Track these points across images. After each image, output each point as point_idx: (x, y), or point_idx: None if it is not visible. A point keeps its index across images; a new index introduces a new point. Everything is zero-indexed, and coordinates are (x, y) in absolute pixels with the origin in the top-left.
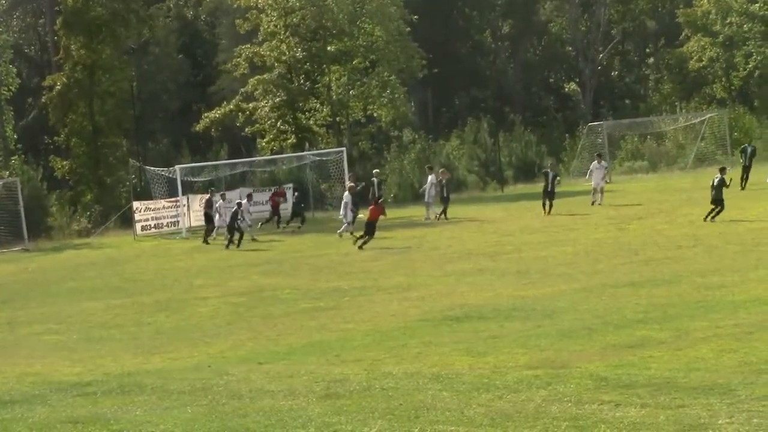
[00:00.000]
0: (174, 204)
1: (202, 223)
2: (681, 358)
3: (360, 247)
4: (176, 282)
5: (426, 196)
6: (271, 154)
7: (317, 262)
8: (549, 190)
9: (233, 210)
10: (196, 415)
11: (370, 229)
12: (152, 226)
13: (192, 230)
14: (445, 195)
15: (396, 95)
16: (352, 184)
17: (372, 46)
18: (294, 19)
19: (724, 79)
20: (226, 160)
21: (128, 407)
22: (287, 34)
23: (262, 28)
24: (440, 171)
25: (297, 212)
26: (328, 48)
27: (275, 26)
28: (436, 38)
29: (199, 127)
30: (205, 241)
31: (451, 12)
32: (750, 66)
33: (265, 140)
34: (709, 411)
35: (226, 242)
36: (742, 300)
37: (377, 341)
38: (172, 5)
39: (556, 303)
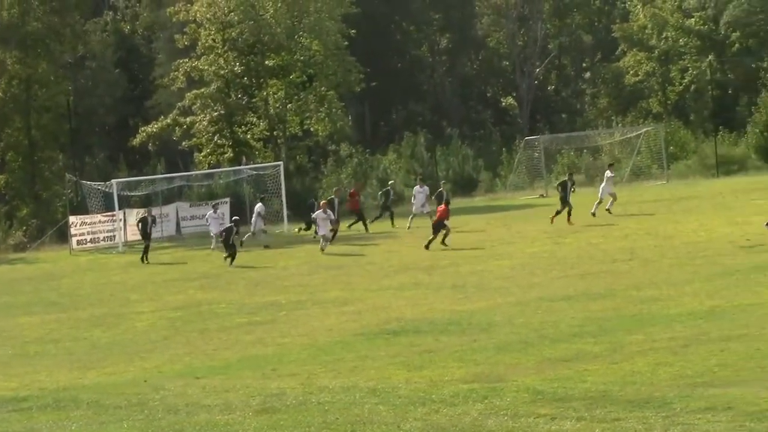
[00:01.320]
0: (110, 218)
1: (139, 237)
2: (617, 372)
3: (426, 247)
4: (112, 297)
5: (414, 207)
6: (209, 168)
7: (254, 277)
8: (566, 199)
9: (228, 227)
10: (132, 430)
11: (437, 228)
12: (88, 240)
13: (129, 245)
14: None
15: (333, 109)
16: (324, 201)
17: (310, 61)
18: (232, 34)
19: (660, 93)
20: (163, 174)
21: (64, 422)
22: (225, 48)
23: (200, 43)
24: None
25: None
26: (266, 62)
27: (213, 40)
28: (373, 53)
29: (136, 141)
30: (144, 259)
31: (389, 26)
32: (686, 80)
33: (202, 154)
34: (645, 424)
35: (226, 257)
36: (677, 313)
37: (313, 355)
38: (109, 20)
39: (492, 317)
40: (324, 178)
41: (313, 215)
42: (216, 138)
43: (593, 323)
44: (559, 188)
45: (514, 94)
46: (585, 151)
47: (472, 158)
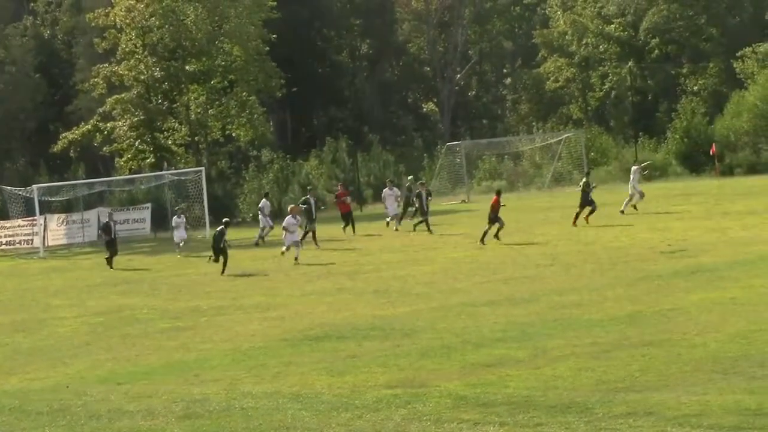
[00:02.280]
0: (30, 223)
1: (62, 242)
2: (539, 377)
3: (497, 236)
4: (34, 302)
5: (389, 209)
6: (130, 173)
7: (176, 282)
8: (590, 199)
9: (220, 229)
10: None
11: (493, 221)
12: (4, 243)
13: (49, 250)
14: (425, 208)
15: (254, 115)
16: (294, 205)
17: (231, 66)
18: (152, 38)
19: (580, 99)
20: (84, 179)
21: None
22: (145, 53)
23: (120, 48)
24: (419, 183)
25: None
26: (187, 67)
27: (133, 45)
28: (294, 58)
29: (57, 147)
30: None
31: (310, 32)
32: (606, 86)
33: (123, 160)
34: (567, 429)
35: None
36: (599, 318)
37: (237, 361)
38: (28, 24)
39: (415, 322)
40: (245, 184)
41: (283, 223)
42: (137, 143)
43: (516, 328)
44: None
45: (435, 100)
46: (506, 156)
47: (393, 164)
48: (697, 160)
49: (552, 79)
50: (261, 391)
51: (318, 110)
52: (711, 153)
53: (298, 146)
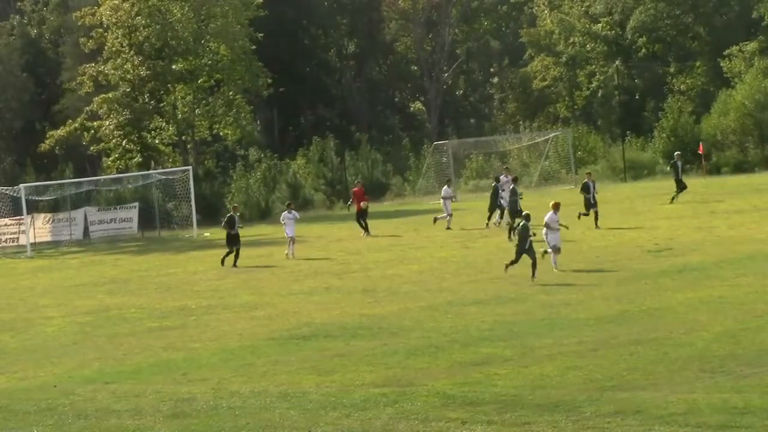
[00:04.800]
0: (17, 222)
1: (48, 240)
2: (526, 376)
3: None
4: (21, 301)
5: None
6: (117, 172)
7: (164, 281)
8: (592, 201)
9: (229, 216)
10: None
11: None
12: None
13: (36, 249)
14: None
15: (241, 114)
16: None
17: (217, 65)
18: (138, 38)
19: (567, 98)
20: (71, 179)
21: None
22: (132, 52)
23: (106, 47)
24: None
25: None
26: (173, 66)
27: (120, 44)
28: (281, 57)
29: (44, 146)
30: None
31: (297, 31)
32: (593, 85)
33: (110, 159)
34: (555, 428)
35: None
36: (586, 318)
37: (224, 360)
38: (15, 23)
39: (403, 321)
40: (233, 183)
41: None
42: (124, 143)
43: (503, 327)
44: (583, 190)
45: (423, 99)
46: (493, 155)
47: (381, 163)
48: (684, 159)
49: (539, 78)
50: (249, 390)
51: (305, 109)
52: (698, 152)
53: (285, 145)
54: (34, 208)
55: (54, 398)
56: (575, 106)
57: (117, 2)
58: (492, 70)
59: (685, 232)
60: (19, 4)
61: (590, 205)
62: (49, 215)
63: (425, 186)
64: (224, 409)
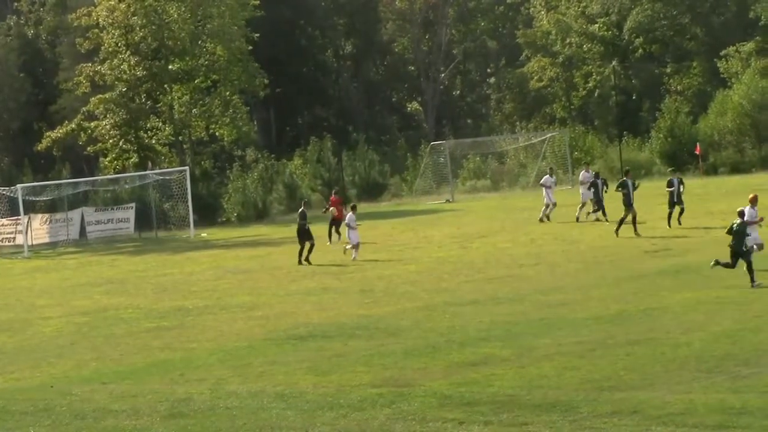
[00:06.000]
0: (14, 223)
1: (45, 240)
2: (524, 376)
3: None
4: (18, 302)
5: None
6: (114, 173)
7: (161, 282)
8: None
9: (301, 211)
10: None
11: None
12: None
13: (34, 249)
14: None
15: (238, 114)
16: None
17: (214, 66)
18: (135, 38)
19: (564, 98)
20: (68, 179)
21: None
22: (128, 52)
23: (103, 47)
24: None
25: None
26: (170, 67)
27: (116, 45)
28: (278, 57)
29: (41, 146)
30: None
31: (293, 31)
32: (589, 85)
33: (107, 159)
34: (552, 428)
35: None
36: (583, 318)
37: (221, 360)
38: (12, 24)
39: (400, 321)
40: (230, 183)
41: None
42: (121, 143)
43: (500, 327)
44: (620, 189)
45: (420, 99)
46: (490, 156)
47: (378, 163)
48: (681, 159)
49: (536, 78)
50: (246, 390)
51: (302, 110)
52: (695, 152)
53: (282, 146)
54: (31, 208)
55: (51, 398)
56: (572, 107)
57: (113, 3)
58: (489, 70)
59: (683, 232)
60: (15, 4)
61: (629, 205)
62: (46, 216)
63: (422, 186)
64: (221, 409)
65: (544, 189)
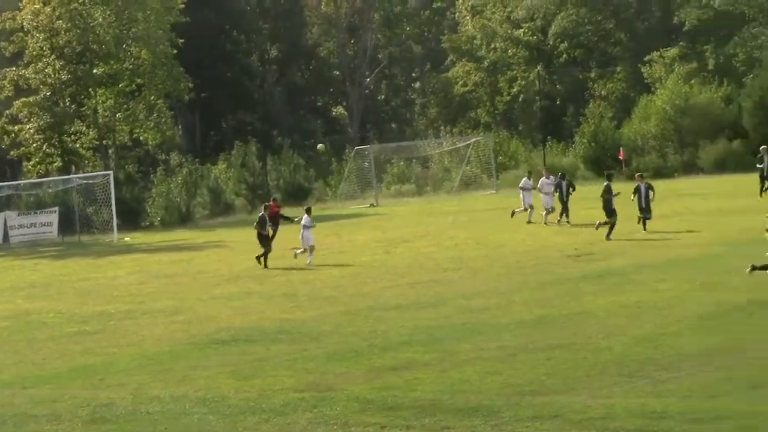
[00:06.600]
0: None
1: None
2: (446, 380)
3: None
4: None
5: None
6: (37, 177)
7: (84, 286)
8: (644, 206)
9: (261, 216)
10: None
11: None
12: None
13: None
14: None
15: (163, 119)
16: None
17: (138, 70)
18: (60, 42)
19: (488, 103)
20: None
21: None
22: (53, 56)
23: (27, 51)
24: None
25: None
26: (95, 71)
27: (41, 48)
28: (203, 61)
29: None
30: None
31: (219, 35)
32: (514, 90)
33: (31, 163)
34: None
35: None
36: (506, 322)
37: (143, 365)
38: None
39: (323, 326)
40: (154, 188)
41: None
42: (45, 147)
43: (423, 332)
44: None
45: (345, 104)
46: (415, 160)
47: (303, 168)
48: (605, 164)
49: (461, 83)
50: (167, 395)
51: (227, 114)
52: (619, 157)
53: (207, 150)
54: None
55: None
56: (496, 112)
57: (38, 6)
58: (414, 75)
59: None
60: None
61: (642, 210)
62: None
63: (347, 191)
64: (143, 414)
65: (521, 192)
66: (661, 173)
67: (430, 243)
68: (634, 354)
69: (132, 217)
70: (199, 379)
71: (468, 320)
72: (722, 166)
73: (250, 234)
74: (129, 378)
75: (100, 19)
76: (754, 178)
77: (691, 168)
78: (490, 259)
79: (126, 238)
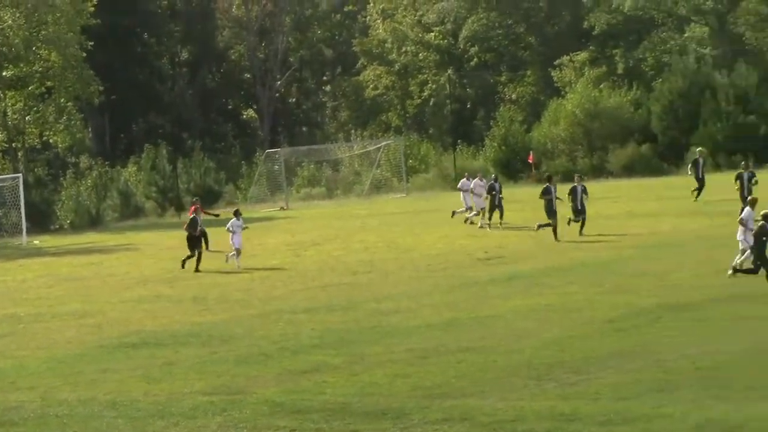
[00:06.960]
0: None
1: None
2: (356, 383)
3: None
4: None
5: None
6: None
7: None
8: (579, 207)
9: (192, 218)
10: None
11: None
12: None
13: None
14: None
15: (72, 121)
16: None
17: (48, 72)
18: None
19: (399, 107)
20: None
21: None
22: None
23: None
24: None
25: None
26: (3, 73)
27: None
28: (114, 64)
29: None
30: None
31: (129, 38)
32: (425, 94)
33: None
34: None
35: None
36: (416, 325)
37: (52, 368)
38: None
39: (233, 329)
40: (63, 190)
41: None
42: None
43: (333, 335)
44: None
45: (255, 107)
46: (325, 163)
47: (213, 171)
48: (515, 167)
49: (371, 86)
50: (76, 398)
51: (137, 116)
52: (528, 160)
53: (117, 153)
54: None
55: None
56: (407, 115)
57: None
58: (325, 78)
59: (515, 240)
60: None
61: (576, 212)
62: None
63: (257, 194)
64: (52, 417)
65: (461, 193)
66: (570, 177)
67: (340, 246)
68: (544, 357)
69: (41, 220)
70: (108, 382)
71: (378, 323)
72: (631, 169)
73: (161, 237)
74: (38, 381)
75: (10, 21)
76: (663, 181)
77: (600, 171)
78: (400, 262)
79: (35, 241)
